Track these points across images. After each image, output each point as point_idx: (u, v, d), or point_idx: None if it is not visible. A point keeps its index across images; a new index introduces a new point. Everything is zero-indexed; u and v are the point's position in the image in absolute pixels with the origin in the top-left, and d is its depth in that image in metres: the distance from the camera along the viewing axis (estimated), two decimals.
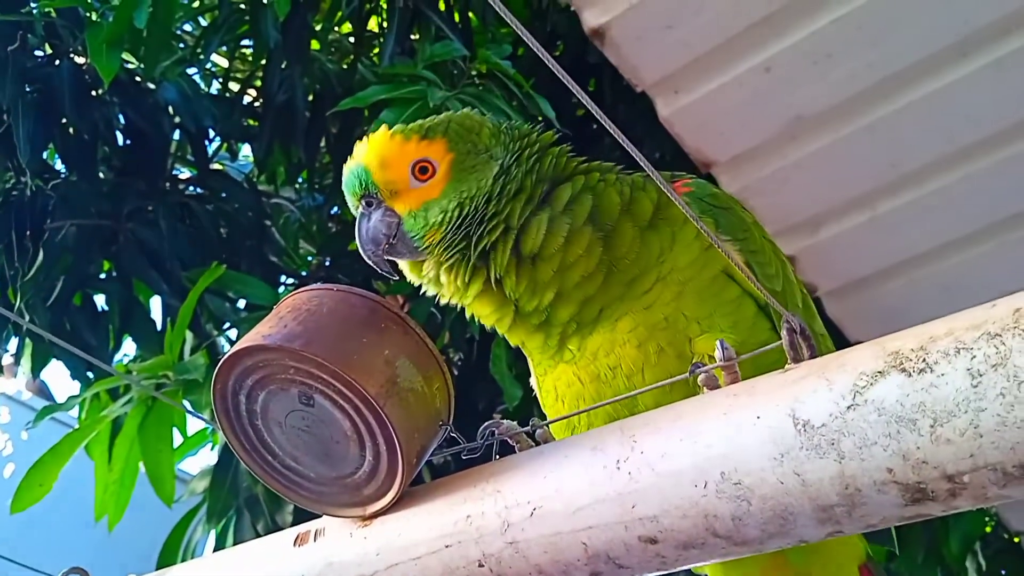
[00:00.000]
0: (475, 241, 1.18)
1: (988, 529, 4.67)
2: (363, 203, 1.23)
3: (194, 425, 3.58)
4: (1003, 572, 4.70)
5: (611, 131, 0.87)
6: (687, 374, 0.92)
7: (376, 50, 4.19)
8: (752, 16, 2.53)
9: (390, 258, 1.26)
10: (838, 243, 3.05)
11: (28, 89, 3.29)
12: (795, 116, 2.75)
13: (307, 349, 0.91)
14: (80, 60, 3.47)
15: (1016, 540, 4.60)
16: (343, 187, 1.26)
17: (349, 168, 1.24)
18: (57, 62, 3.43)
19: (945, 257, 3.05)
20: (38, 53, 3.55)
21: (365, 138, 1.25)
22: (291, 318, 0.95)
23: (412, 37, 3.79)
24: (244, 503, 2.96)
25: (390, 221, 1.22)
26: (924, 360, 0.69)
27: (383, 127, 1.26)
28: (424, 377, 0.97)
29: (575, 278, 1.15)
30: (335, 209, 4.47)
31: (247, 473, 2.94)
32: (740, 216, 1.27)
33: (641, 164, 0.91)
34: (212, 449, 3.69)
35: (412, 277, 1.29)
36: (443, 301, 1.27)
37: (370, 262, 1.26)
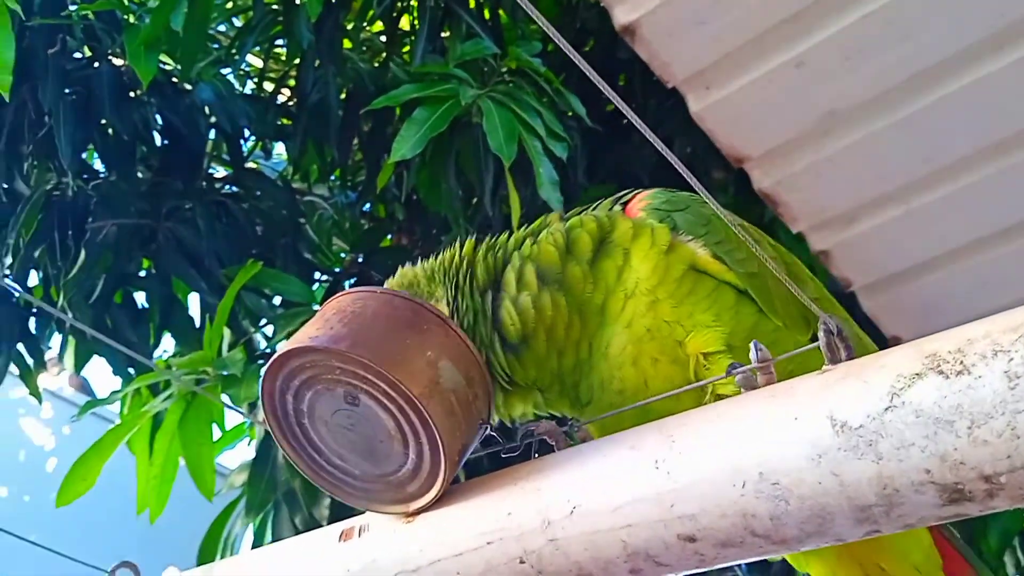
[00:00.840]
0: None
1: None
2: None
3: (232, 420, 3.65)
4: None
5: (640, 128, 0.88)
6: (723, 375, 0.93)
7: (407, 48, 4.23)
8: (783, 12, 2.52)
9: None
10: (872, 238, 3.03)
11: (68, 91, 3.36)
12: (828, 111, 2.73)
13: (352, 350, 0.94)
14: (118, 62, 3.54)
15: None
16: None
17: None
18: (96, 64, 3.50)
19: (981, 252, 3.02)
20: (77, 56, 3.62)
21: None
22: (336, 320, 0.98)
23: (443, 35, 3.82)
24: (282, 497, 3.01)
25: None
26: (961, 362, 0.70)
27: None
28: (465, 377, 0.99)
29: (560, 332, 1.15)
30: (367, 206, 4.52)
31: (285, 467, 3.00)
32: (699, 211, 1.24)
33: (670, 160, 0.92)
34: (249, 443, 3.75)
35: None
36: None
37: None
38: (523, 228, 1.30)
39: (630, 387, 1.13)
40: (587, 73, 0.84)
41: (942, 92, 2.61)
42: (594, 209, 1.27)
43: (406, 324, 0.98)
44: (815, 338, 0.88)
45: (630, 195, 1.28)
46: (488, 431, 1.03)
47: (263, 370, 1.00)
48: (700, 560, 0.83)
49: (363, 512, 1.08)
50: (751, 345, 0.88)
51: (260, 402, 1.01)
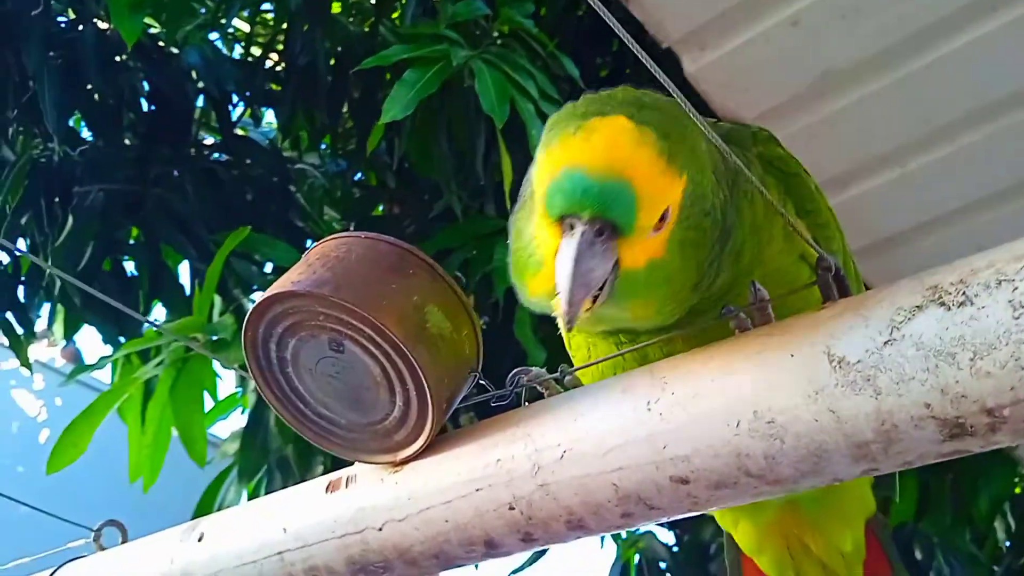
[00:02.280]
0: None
1: (1017, 490, 4.64)
2: (590, 227, 0.86)
3: (224, 390, 3.63)
4: None
5: (658, 77, 0.81)
6: (716, 319, 0.90)
7: (397, 13, 4.17)
8: None
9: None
10: (867, 200, 3.01)
11: (52, 55, 3.31)
12: (823, 71, 2.70)
13: (336, 295, 0.91)
14: (103, 25, 3.47)
15: None
16: (561, 187, 0.88)
17: (600, 174, 0.86)
18: (81, 27, 3.44)
19: (976, 214, 3.00)
20: (61, 19, 3.56)
21: (609, 129, 0.88)
22: (320, 265, 0.95)
23: None
24: (274, 464, 3.00)
25: (607, 267, 0.87)
26: (964, 293, 0.68)
27: (624, 119, 0.89)
28: (453, 324, 0.97)
29: (709, 304, 1.01)
30: (359, 175, 4.48)
31: (277, 435, 2.98)
32: (807, 183, 1.16)
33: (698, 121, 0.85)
34: (243, 413, 3.74)
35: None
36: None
37: (565, 305, 0.85)
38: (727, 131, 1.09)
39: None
40: (620, 35, 0.77)
41: (940, 52, 2.58)
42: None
43: (391, 268, 0.96)
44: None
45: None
46: (477, 379, 1.01)
47: (246, 318, 0.97)
48: (693, 503, 0.81)
49: (351, 464, 1.06)
50: (750, 286, 0.85)
51: (243, 351, 0.98)
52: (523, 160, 3.13)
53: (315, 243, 1.02)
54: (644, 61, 0.75)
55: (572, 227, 0.87)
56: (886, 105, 2.74)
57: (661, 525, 4.34)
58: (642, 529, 4.49)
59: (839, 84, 2.72)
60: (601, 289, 0.88)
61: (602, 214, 0.86)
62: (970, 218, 3.00)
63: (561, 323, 0.94)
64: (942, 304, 0.69)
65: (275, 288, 0.95)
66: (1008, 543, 4.49)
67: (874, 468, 0.73)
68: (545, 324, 3.23)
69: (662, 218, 0.89)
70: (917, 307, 0.70)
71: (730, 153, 0.91)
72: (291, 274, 0.97)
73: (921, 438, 0.69)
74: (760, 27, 2.63)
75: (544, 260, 0.91)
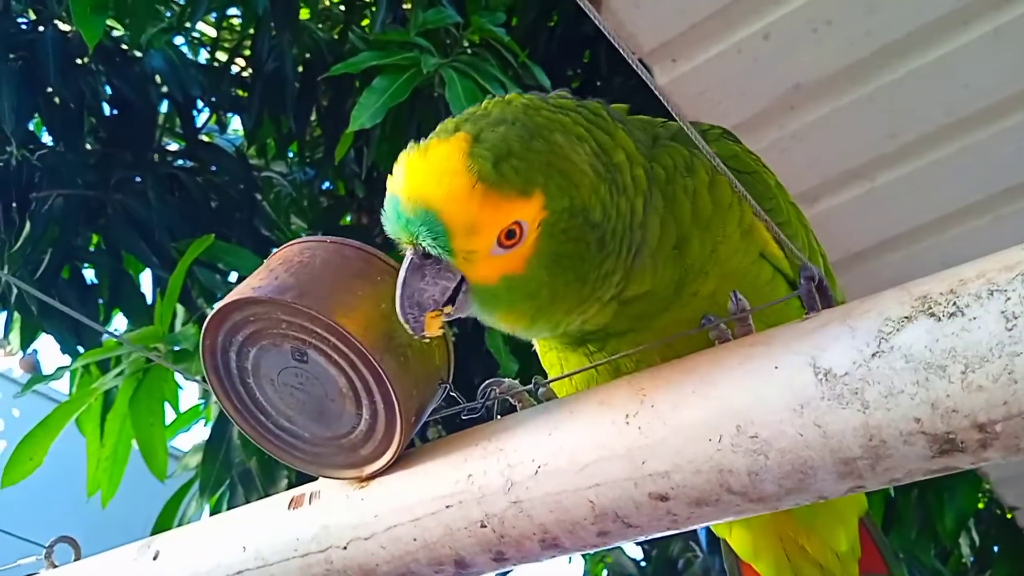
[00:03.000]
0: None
1: (981, 505, 4.68)
2: (415, 252, 0.90)
3: (186, 402, 3.55)
4: (996, 548, 4.71)
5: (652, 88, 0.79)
6: (696, 329, 0.87)
7: (367, 20, 4.13)
8: None
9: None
10: (836, 215, 3.01)
11: (12, 56, 3.22)
12: (794, 85, 2.70)
13: (300, 301, 0.87)
14: (65, 27, 3.39)
15: (1009, 516, 4.61)
16: (390, 210, 0.91)
17: (410, 205, 0.89)
18: (41, 29, 3.35)
19: (944, 229, 3.02)
20: (22, 20, 3.47)
21: (431, 157, 0.90)
22: (283, 270, 0.91)
23: (404, 7, 3.73)
24: (237, 477, 2.93)
25: (447, 286, 0.91)
26: (954, 303, 0.65)
27: (459, 141, 0.90)
28: None
29: (655, 305, 1.00)
30: (327, 184, 4.42)
31: (240, 447, 2.91)
32: (765, 181, 1.14)
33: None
34: (205, 425, 3.65)
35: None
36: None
37: (404, 322, 0.89)
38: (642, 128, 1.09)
39: (652, 361, 1.00)
40: (621, 52, 0.75)
41: (908, 67, 2.59)
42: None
43: (358, 274, 0.92)
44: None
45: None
46: (448, 391, 0.97)
47: (204, 325, 0.92)
48: (672, 521, 0.77)
49: (315, 479, 1.02)
50: (730, 295, 0.82)
51: (200, 360, 0.94)
52: None
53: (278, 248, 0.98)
54: (629, 60, 0.72)
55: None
56: (855, 119, 2.75)
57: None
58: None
59: (809, 98, 2.72)
60: (452, 304, 0.91)
61: (414, 241, 0.90)
62: (937, 233, 3.02)
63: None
64: (932, 315, 0.66)
65: (235, 294, 0.91)
66: (972, 558, 4.52)
67: (860, 485, 0.71)
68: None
69: (510, 235, 0.90)
70: (906, 318, 0.67)
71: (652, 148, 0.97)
72: (252, 280, 0.92)
73: (910, 454, 0.67)
74: (732, 40, 2.63)
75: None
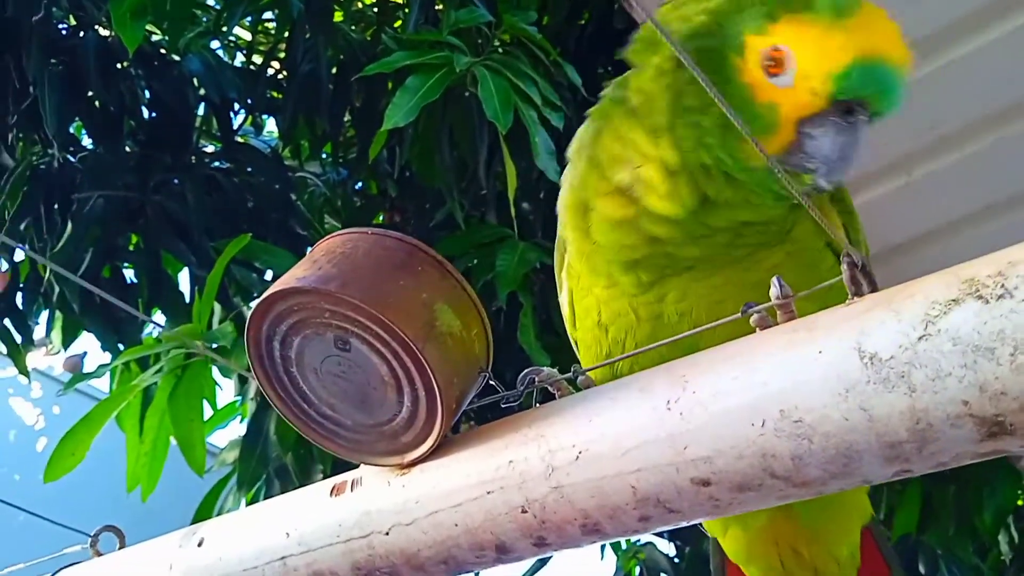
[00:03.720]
0: None
1: (1021, 502, 4.60)
2: (864, 112, 0.95)
3: (223, 399, 3.60)
4: None
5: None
6: (739, 314, 0.87)
7: (400, 22, 4.15)
8: None
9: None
10: (873, 209, 2.97)
11: (53, 61, 3.29)
12: None
13: (343, 291, 0.88)
14: (105, 32, 3.46)
15: None
16: (855, 77, 0.93)
17: (897, 72, 0.94)
18: (82, 34, 3.42)
19: (982, 222, 2.97)
20: (62, 26, 3.54)
21: (900, 33, 0.95)
22: (325, 261, 0.92)
23: (436, 8, 3.74)
24: (274, 472, 2.96)
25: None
26: (1003, 285, 0.65)
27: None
28: (462, 322, 0.94)
29: (714, 246, 1.05)
30: (360, 184, 4.45)
31: (276, 443, 2.94)
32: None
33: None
34: (242, 422, 3.70)
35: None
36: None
37: (823, 182, 0.98)
38: None
39: (697, 316, 1.08)
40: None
41: (948, 57, 2.56)
42: None
43: (399, 265, 0.93)
44: None
45: None
46: (488, 379, 0.98)
47: (249, 315, 0.94)
48: (715, 506, 0.77)
49: (357, 467, 1.03)
50: (772, 281, 0.82)
51: (246, 350, 0.95)
52: (526, 167, 3.12)
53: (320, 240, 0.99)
54: (677, 50, 0.72)
55: (851, 111, 0.94)
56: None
57: (661, 536, 4.29)
58: (643, 540, 4.45)
59: None
60: None
61: (884, 110, 0.95)
62: (976, 227, 2.97)
63: (795, 188, 0.96)
64: (979, 297, 0.65)
65: (279, 284, 0.92)
66: (1012, 555, 4.45)
67: (907, 469, 0.70)
68: (548, 332, 3.20)
69: None
70: (953, 300, 0.67)
71: None
72: (296, 270, 0.94)
73: (958, 437, 0.66)
74: None
75: (781, 123, 0.97)
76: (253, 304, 3.45)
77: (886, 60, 0.93)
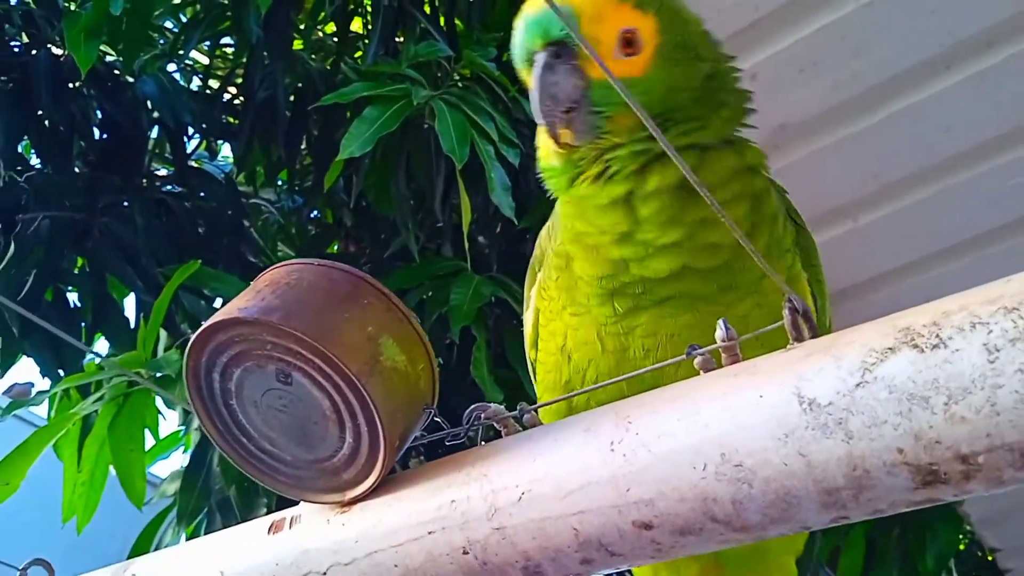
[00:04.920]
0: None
1: (962, 546, 4.67)
2: (549, 50, 1.02)
3: (166, 429, 3.51)
4: None
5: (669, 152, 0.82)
6: (683, 356, 0.87)
7: (360, 53, 4.16)
8: (739, 23, 2.52)
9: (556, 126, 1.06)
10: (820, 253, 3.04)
11: (4, 79, 3.23)
12: (779, 125, 2.73)
13: (286, 323, 0.87)
14: (58, 51, 3.41)
15: (990, 558, 4.60)
16: (521, 28, 1.05)
17: (543, 6, 1.01)
18: (34, 52, 3.37)
19: (926, 269, 3.05)
20: (14, 43, 3.48)
21: None
22: (269, 291, 0.90)
23: (397, 39, 3.76)
24: (216, 506, 2.89)
25: (577, 84, 1.02)
26: (937, 335, 0.66)
27: None
28: (408, 356, 0.93)
29: (697, 284, 1.07)
30: (315, 212, 4.42)
31: (219, 475, 2.88)
32: (810, 237, 1.22)
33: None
34: (184, 453, 3.61)
35: (550, 158, 1.11)
36: (555, 194, 1.14)
37: (542, 121, 1.05)
38: None
39: (662, 353, 1.09)
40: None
41: (892, 108, 2.63)
42: None
43: (345, 297, 0.92)
44: None
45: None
46: (432, 416, 0.96)
47: (188, 345, 0.92)
48: (656, 549, 0.77)
49: (296, 504, 1.01)
50: (719, 323, 0.83)
51: (183, 380, 0.93)
52: (483, 201, 3.12)
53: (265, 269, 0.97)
54: (624, 97, 0.73)
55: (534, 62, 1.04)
56: (839, 160, 2.78)
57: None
58: None
59: (794, 138, 2.76)
60: (576, 110, 1.03)
61: (547, 34, 1.02)
62: (919, 273, 3.04)
63: (549, 145, 1.09)
64: (915, 346, 0.67)
65: (220, 315, 0.90)
66: None
67: (844, 516, 0.71)
68: (501, 365, 3.18)
69: (630, 43, 1.04)
70: (889, 349, 0.68)
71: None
72: (238, 301, 0.92)
73: (893, 485, 0.67)
74: None
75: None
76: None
77: (530, 11, 1.05)
